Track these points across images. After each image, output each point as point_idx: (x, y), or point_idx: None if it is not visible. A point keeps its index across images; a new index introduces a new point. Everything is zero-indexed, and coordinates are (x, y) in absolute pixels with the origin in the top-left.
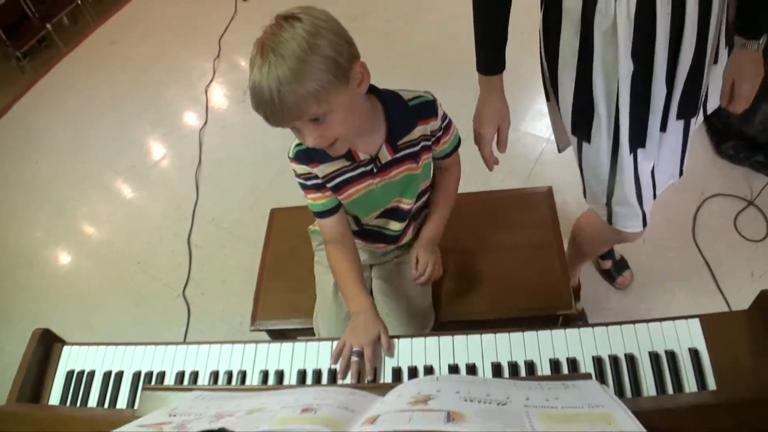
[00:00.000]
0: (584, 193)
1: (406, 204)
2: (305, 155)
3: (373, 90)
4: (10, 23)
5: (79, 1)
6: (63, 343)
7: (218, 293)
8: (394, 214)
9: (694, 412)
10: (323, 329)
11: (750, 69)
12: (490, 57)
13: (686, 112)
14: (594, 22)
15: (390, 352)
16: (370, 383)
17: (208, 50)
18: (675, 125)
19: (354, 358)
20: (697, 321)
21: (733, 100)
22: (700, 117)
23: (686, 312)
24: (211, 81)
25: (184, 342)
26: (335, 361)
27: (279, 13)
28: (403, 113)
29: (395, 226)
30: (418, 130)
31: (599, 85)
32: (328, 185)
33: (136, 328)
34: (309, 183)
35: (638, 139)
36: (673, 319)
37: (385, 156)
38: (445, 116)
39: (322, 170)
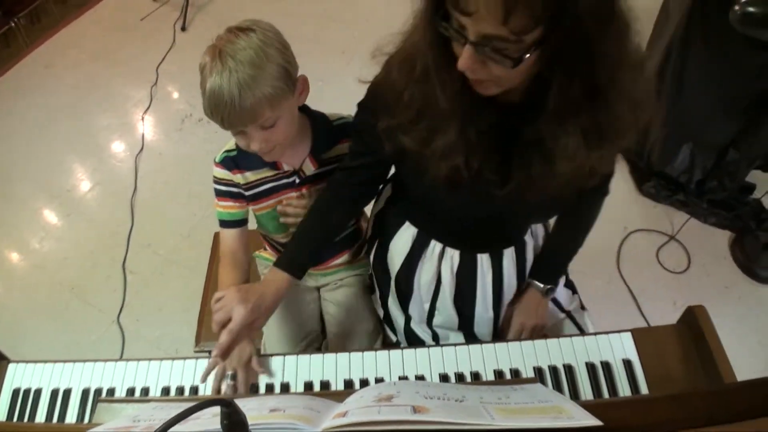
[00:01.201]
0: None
1: None
2: (232, 161)
3: (302, 108)
4: None
5: (13, 24)
6: (8, 360)
7: (154, 320)
8: None
9: (631, 403)
10: (269, 346)
11: (530, 306)
12: (291, 256)
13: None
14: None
15: (263, 369)
16: (323, 390)
17: (145, 78)
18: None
19: (229, 382)
20: (629, 334)
21: (509, 333)
22: None
23: None
24: (148, 108)
25: (135, 358)
26: (204, 381)
27: (231, 25)
28: (328, 130)
29: None
30: (341, 148)
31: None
32: (248, 193)
33: (68, 355)
34: (224, 189)
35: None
36: (607, 333)
37: (309, 168)
38: None
39: (245, 177)
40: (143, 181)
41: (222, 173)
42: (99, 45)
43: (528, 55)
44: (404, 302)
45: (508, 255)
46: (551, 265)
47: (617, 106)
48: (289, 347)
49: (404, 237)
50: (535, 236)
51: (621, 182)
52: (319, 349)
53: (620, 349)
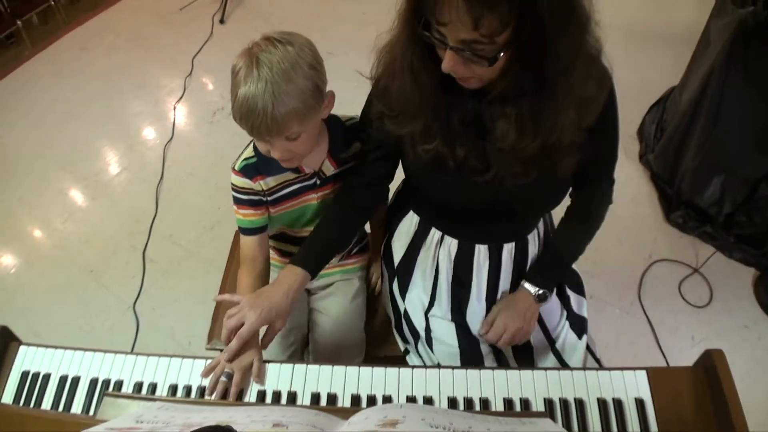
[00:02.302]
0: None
1: None
2: (254, 169)
3: None
4: None
5: (53, 2)
6: (19, 342)
7: (170, 310)
8: None
9: None
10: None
11: (518, 307)
12: (305, 253)
13: None
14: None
15: (260, 380)
16: (330, 406)
17: (179, 68)
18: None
19: (223, 379)
20: (644, 373)
21: (489, 331)
22: None
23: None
24: (181, 98)
25: (145, 353)
26: (206, 376)
27: (267, 33)
28: (343, 131)
29: None
30: (358, 147)
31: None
32: (270, 198)
33: (82, 337)
34: (244, 198)
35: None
36: (622, 369)
37: (329, 169)
38: None
39: (267, 183)
40: (170, 170)
41: (242, 182)
42: (136, 31)
43: (501, 54)
44: (403, 290)
45: (508, 250)
46: (546, 268)
47: (562, 99)
48: (277, 351)
49: (407, 224)
50: (540, 239)
51: (649, 209)
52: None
53: (633, 387)
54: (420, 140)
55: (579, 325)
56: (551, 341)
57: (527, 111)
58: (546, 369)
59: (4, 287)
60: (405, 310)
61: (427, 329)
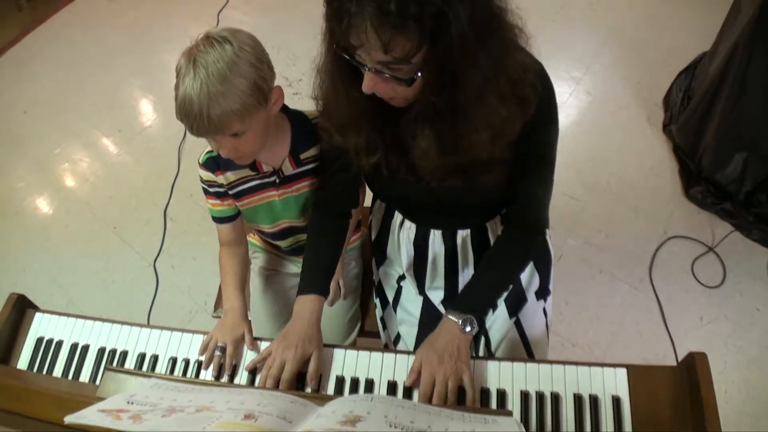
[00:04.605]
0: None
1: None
2: (214, 163)
3: (282, 108)
4: None
5: None
6: (36, 309)
7: (188, 269)
8: (299, 231)
9: None
10: (256, 328)
11: (438, 345)
12: (308, 278)
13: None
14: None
15: (253, 348)
16: (314, 393)
17: (205, 22)
18: None
19: (217, 353)
20: (624, 371)
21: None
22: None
23: (629, 345)
24: None
25: (149, 325)
26: (202, 353)
27: (209, 32)
28: (306, 129)
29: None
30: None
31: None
32: (231, 192)
33: (103, 292)
34: (211, 190)
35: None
36: (602, 365)
37: (288, 168)
38: None
39: (227, 178)
40: None
41: (207, 175)
42: None
43: (420, 74)
44: (379, 263)
45: (462, 236)
46: (469, 295)
47: (477, 121)
48: (274, 328)
49: (381, 207)
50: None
51: (668, 182)
52: None
53: (612, 384)
54: (363, 152)
55: (513, 302)
56: None
57: (444, 131)
58: (525, 361)
59: (32, 239)
60: (379, 280)
61: (397, 294)
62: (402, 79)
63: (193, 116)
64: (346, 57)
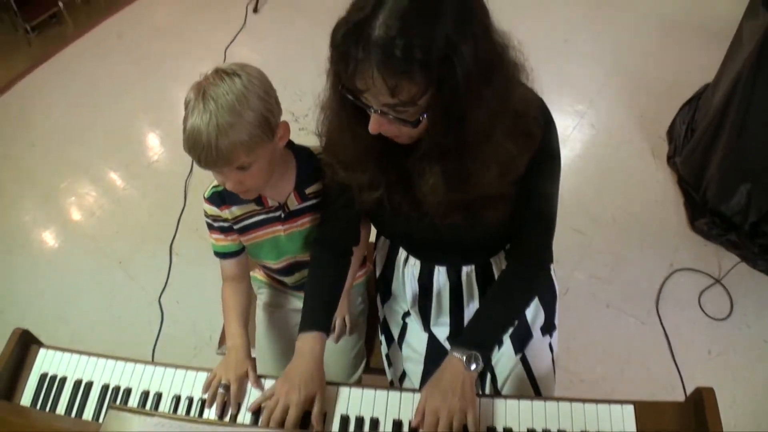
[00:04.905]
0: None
1: None
2: (219, 197)
3: (288, 144)
4: None
5: None
6: (40, 345)
7: (193, 304)
8: (304, 266)
9: None
10: (259, 363)
11: (443, 384)
12: (309, 315)
13: None
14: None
15: (257, 386)
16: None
17: (212, 58)
18: None
19: (220, 391)
20: (631, 407)
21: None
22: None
23: (637, 380)
24: None
25: (153, 362)
26: (205, 391)
27: (219, 66)
28: (312, 165)
29: None
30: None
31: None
32: (236, 227)
33: (108, 327)
34: (215, 225)
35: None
36: (609, 402)
37: (293, 203)
38: None
39: (232, 212)
40: None
41: (211, 209)
42: (171, 20)
43: (425, 115)
44: (384, 300)
45: (466, 272)
46: (474, 331)
47: (484, 158)
48: (279, 366)
49: (385, 243)
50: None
51: (674, 215)
52: None
53: (619, 421)
54: (366, 189)
55: (519, 338)
56: None
57: (452, 168)
58: (532, 398)
59: (38, 273)
60: (384, 317)
61: (403, 330)
62: (408, 121)
63: (201, 147)
64: (351, 99)
